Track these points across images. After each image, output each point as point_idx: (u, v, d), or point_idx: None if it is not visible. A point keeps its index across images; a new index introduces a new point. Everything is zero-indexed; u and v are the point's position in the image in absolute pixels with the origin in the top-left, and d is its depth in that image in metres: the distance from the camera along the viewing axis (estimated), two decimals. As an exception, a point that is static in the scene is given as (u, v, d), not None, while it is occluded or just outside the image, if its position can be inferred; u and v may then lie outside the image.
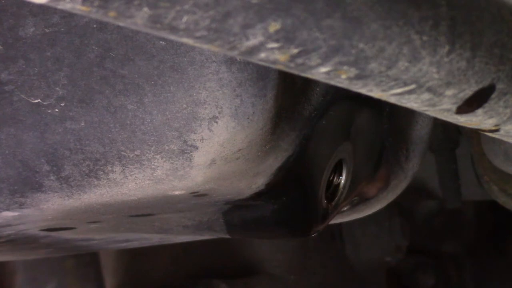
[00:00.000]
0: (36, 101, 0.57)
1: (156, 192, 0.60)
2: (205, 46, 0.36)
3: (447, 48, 0.41)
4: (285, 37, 0.36)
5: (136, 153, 0.57)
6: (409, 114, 0.87)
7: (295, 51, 0.36)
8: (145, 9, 0.33)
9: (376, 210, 0.93)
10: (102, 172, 0.58)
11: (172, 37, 0.35)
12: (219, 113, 0.55)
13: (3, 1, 0.56)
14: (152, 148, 0.56)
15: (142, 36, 0.55)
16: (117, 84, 0.55)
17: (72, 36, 0.56)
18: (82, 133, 0.57)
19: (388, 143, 0.85)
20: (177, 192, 0.60)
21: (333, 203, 0.73)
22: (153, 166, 0.57)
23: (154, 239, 0.85)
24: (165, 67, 0.55)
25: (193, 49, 0.54)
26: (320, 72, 0.39)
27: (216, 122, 0.55)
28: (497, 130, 0.51)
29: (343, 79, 0.40)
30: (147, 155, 0.57)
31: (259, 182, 0.65)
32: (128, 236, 0.81)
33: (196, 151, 0.56)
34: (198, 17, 0.34)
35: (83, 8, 0.33)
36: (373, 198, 0.88)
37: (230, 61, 0.54)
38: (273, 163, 0.64)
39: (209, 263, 1.42)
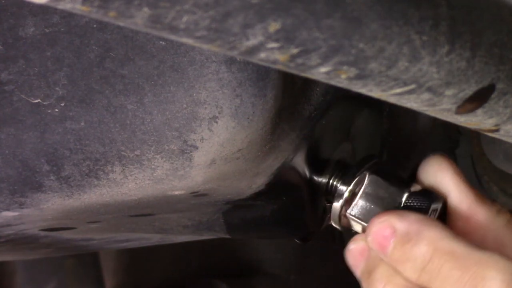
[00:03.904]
0: (36, 101, 0.57)
1: (156, 192, 0.60)
2: (205, 46, 0.36)
3: (447, 48, 0.41)
4: (285, 37, 0.36)
5: (136, 153, 0.57)
6: (409, 114, 0.87)
7: (295, 51, 0.36)
8: (145, 9, 0.33)
9: (376, 210, 0.92)
10: (102, 172, 0.58)
11: (172, 37, 0.35)
12: (219, 113, 0.55)
13: (3, 1, 0.56)
14: (152, 148, 0.56)
15: (142, 36, 0.55)
16: (117, 84, 0.55)
17: (72, 36, 0.56)
18: (82, 133, 0.57)
19: (388, 143, 0.85)
20: (177, 192, 0.60)
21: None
22: (153, 166, 0.57)
23: (154, 239, 0.85)
24: (165, 67, 0.55)
25: (193, 49, 0.54)
26: (320, 72, 0.39)
27: (216, 122, 0.55)
28: (497, 130, 0.51)
29: (343, 79, 0.40)
30: (147, 155, 0.57)
31: (259, 182, 0.65)
32: (128, 236, 0.81)
33: (196, 151, 0.56)
34: (198, 17, 0.34)
35: (83, 8, 0.33)
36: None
37: (230, 61, 0.54)
38: (273, 163, 0.64)
39: (209, 263, 1.42)
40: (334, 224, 0.68)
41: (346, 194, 0.67)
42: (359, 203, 0.65)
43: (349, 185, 0.67)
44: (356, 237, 0.65)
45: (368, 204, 0.65)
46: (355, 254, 0.64)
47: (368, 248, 0.62)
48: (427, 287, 0.58)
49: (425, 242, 0.58)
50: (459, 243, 0.57)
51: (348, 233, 0.68)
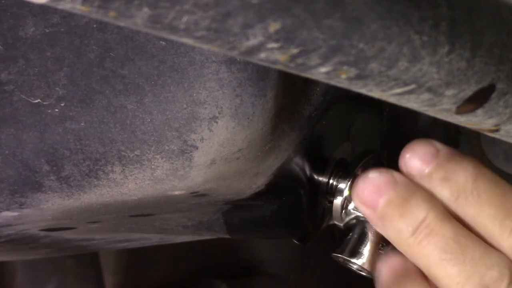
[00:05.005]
0: (36, 101, 0.57)
1: (156, 192, 0.60)
2: (205, 46, 0.36)
3: (447, 48, 0.41)
4: (285, 37, 0.36)
5: (136, 153, 0.57)
6: (409, 114, 0.87)
7: (295, 51, 0.36)
8: (145, 9, 0.33)
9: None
10: (102, 172, 0.58)
11: (172, 37, 0.35)
12: (219, 113, 0.55)
13: (3, 1, 0.56)
14: (152, 148, 0.56)
15: (142, 36, 0.55)
16: (117, 84, 0.55)
17: (72, 36, 0.56)
18: (82, 133, 0.57)
19: (388, 143, 0.85)
20: (177, 192, 0.60)
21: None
22: (153, 166, 0.57)
23: (154, 239, 0.86)
24: (165, 67, 0.55)
25: (193, 49, 0.54)
26: (320, 72, 0.39)
27: (216, 122, 0.55)
28: (497, 130, 0.51)
29: (343, 79, 0.40)
30: (147, 155, 0.57)
31: (259, 182, 0.65)
32: (128, 236, 0.81)
33: (196, 151, 0.56)
34: (198, 17, 0.34)
35: (83, 8, 0.33)
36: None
37: (230, 61, 0.54)
38: (273, 163, 0.64)
39: (209, 263, 1.42)
40: (336, 222, 0.68)
41: (346, 192, 0.67)
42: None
43: (348, 182, 0.67)
44: (379, 167, 0.60)
45: None
46: (378, 182, 0.58)
47: (396, 179, 0.57)
48: (461, 211, 0.56)
49: (471, 164, 0.56)
50: (498, 176, 0.56)
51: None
